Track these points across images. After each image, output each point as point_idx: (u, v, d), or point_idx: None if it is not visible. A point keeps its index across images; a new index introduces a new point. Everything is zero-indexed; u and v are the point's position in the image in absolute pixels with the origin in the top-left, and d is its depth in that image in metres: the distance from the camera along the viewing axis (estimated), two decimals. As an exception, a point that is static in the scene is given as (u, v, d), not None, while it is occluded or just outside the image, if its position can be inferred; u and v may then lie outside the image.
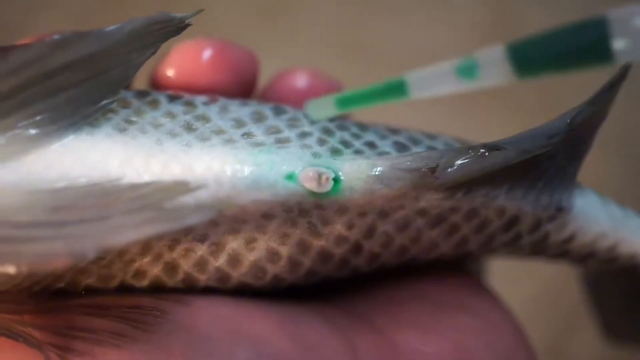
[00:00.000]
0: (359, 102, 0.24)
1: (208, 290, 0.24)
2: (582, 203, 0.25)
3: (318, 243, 0.23)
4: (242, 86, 0.26)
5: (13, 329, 0.22)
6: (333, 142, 0.23)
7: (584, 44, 0.24)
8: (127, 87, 0.25)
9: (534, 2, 0.59)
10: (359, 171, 0.22)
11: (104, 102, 0.23)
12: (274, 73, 0.28)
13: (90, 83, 0.22)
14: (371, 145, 0.24)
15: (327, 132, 0.24)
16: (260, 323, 0.23)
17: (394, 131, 0.25)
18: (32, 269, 0.21)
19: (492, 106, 0.57)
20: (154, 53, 0.23)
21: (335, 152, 0.23)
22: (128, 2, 0.55)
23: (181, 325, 0.22)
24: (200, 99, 0.24)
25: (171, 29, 0.23)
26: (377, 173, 0.22)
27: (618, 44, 0.24)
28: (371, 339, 0.24)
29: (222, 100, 0.24)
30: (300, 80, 0.27)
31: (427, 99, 0.24)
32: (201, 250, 0.23)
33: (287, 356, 0.23)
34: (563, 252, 0.26)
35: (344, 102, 0.24)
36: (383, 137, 0.24)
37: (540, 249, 0.26)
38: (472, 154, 0.22)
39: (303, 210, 0.23)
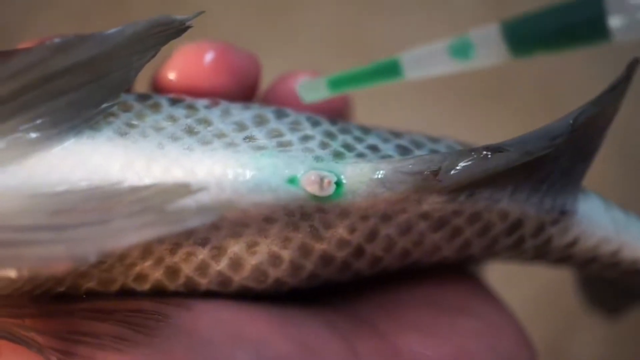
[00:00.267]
0: (352, 83, 0.24)
1: (209, 294, 0.23)
2: (585, 207, 0.25)
3: (320, 247, 0.23)
4: (244, 89, 0.26)
5: (14, 332, 0.22)
6: (335, 145, 0.23)
7: (579, 21, 0.23)
8: (129, 90, 0.25)
9: (534, 2, 0.59)
10: (361, 175, 0.22)
11: (105, 105, 0.22)
12: (275, 74, 0.28)
13: (91, 86, 0.22)
14: (374, 148, 0.24)
15: (330, 135, 0.24)
16: (261, 327, 0.23)
17: (397, 134, 0.25)
18: (33, 272, 0.21)
19: (493, 107, 0.56)
20: (154, 55, 0.23)
21: (337, 155, 0.23)
22: (128, 3, 0.55)
23: (182, 329, 0.22)
24: (201, 102, 0.24)
25: (172, 31, 0.23)
26: (379, 176, 0.22)
27: (614, 21, 0.23)
28: (372, 343, 0.24)
29: (224, 104, 0.24)
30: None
31: (423, 88, 0.24)
32: (202, 254, 0.23)
33: None
34: (566, 256, 0.26)
35: (336, 83, 0.24)
36: (386, 141, 0.24)
37: (543, 253, 0.26)
38: (475, 156, 0.22)
39: (305, 214, 0.22)
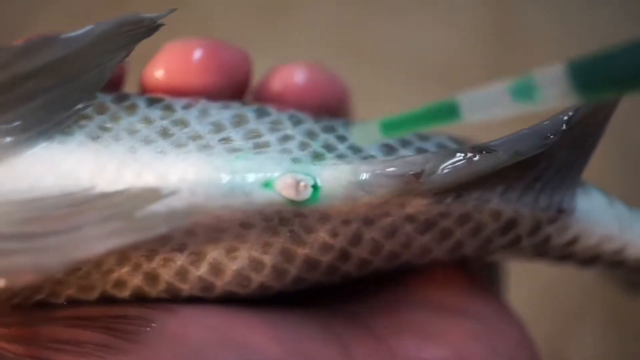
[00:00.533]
0: (406, 126, 0.22)
1: (198, 299, 0.23)
2: (585, 204, 0.24)
3: (302, 251, 0.22)
4: (234, 87, 0.25)
5: None
6: (315, 146, 0.22)
7: None
8: (116, 89, 0.24)
9: (534, 2, 0.59)
10: (339, 178, 0.21)
11: (78, 107, 0.22)
12: (270, 69, 0.27)
13: (61, 89, 0.22)
14: (356, 148, 0.23)
15: (311, 134, 0.23)
16: (252, 331, 0.22)
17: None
18: (8, 281, 0.20)
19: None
20: (127, 55, 0.22)
21: (316, 156, 0.22)
22: (128, 2, 0.55)
23: (171, 335, 0.21)
24: (180, 102, 0.23)
25: (142, 30, 0.22)
26: (358, 179, 0.21)
27: None
28: (368, 346, 0.23)
29: (203, 103, 0.23)
30: (299, 76, 0.26)
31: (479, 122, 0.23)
32: (181, 260, 0.22)
33: None
34: (567, 255, 0.25)
35: (390, 127, 0.22)
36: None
37: (543, 252, 0.25)
38: (460, 157, 0.21)
39: (283, 218, 0.22)
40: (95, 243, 0.20)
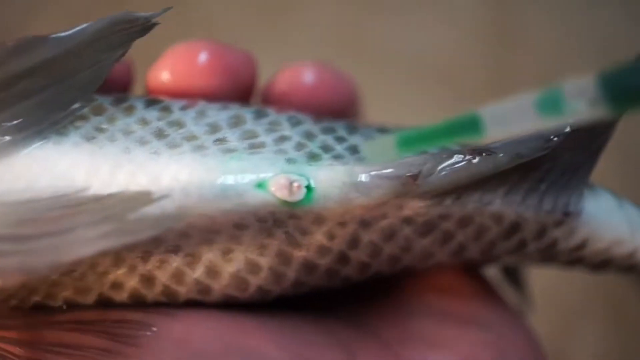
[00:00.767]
0: (424, 141, 0.21)
1: (202, 305, 0.23)
2: (594, 206, 0.24)
3: (299, 254, 0.22)
4: (239, 90, 0.25)
5: None
6: (312, 146, 0.22)
7: None
8: (126, 90, 0.24)
9: (534, 2, 0.59)
10: (334, 178, 0.21)
11: (74, 107, 0.22)
12: (275, 71, 0.26)
13: (56, 88, 0.21)
14: (354, 149, 0.22)
15: (309, 135, 0.22)
16: (256, 337, 0.22)
17: (385, 131, 0.23)
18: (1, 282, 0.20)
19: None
20: (123, 55, 0.22)
21: (312, 157, 0.22)
22: (128, 1, 0.55)
23: (174, 339, 0.21)
24: (179, 103, 0.23)
25: (137, 29, 0.22)
26: (353, 181, 0.21)
27: None
28: (374, 353, 0.23)
29: (202, 105, 0.23)
30: (307, 75, 0.26)
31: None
32: (176, 261, 0.22)
33: None
34: (576, 259, 0.24)
35: (407, 143, 0.21)
36: (370, 140, 0.23)
37: (551, 256, 0.24)
38: (458, 159, 0.21)
39: (277, 220, 0.21)
40: (84, 245, 0.19)
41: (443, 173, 0.21)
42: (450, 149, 0.23)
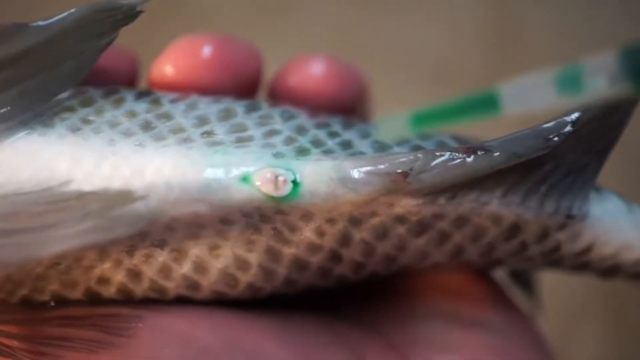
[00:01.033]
0: (439, 119, 0.20)
1: (206, 302, 0.22)
2: (600, 209, 0.23)
3: (289, 251, 0.21)
4: (244, 84, 0.24)
5: None
6: (303, 141, 0.21)
7: None
8: (133, 85, 0.24)
9: (534, 2, 0.59)
10: (321, 173, 0.20)
11: (59, 97, 0.21)
12: (276, 69, 0.25)
13: (40, 77, 0.21)
14: (346, 144, 0.22)
15: (301, 130, 0.22)
16: (260, 336, 0.21)
17: None
18: None
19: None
20: (109, 44, 0.21)
21: (301, 152, 0.21)
22: None
23: (179, 335, 0.21)
24: (169, 96, 0.22)
25: (121, 17, 0.21)
26: (341, 176, 0.20)
27: None
28: (381, 355, 0.22)
29: (193, 98, 0.23)
30: (317, 67, 0.25)
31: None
32: (162, 256, 0.21)
33: None
34: (581, 264, 0.23)
35: (421, 120, 0.20)
36: (364, 136, 0.22)
37: (555, 260, 0.23)
38: (452, 157, 0.20)
39: (264, 215, 0.21)
40: (61, 241, 0.19)
41: (436, 171, 0.20)
42: (445, 146, 0.22)
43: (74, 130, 0.21)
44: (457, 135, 0.23)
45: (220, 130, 0.21)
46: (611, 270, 0.23)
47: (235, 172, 0.20)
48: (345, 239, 0.21)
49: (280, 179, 0.20)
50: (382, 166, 0.20)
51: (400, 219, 0.21)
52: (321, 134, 0.22)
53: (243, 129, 0.22)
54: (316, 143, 0.22)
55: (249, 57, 0.24)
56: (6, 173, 0.20)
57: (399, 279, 0.24)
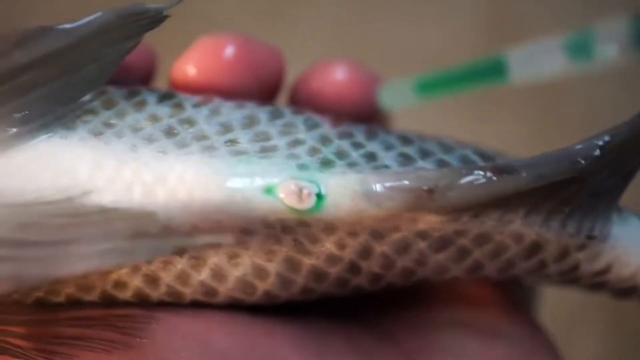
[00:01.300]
0: (445, 86, 0.20)
1: (223, 305, 0.22)
2: (620, 231, 0.22)
3: (309, 262, 0.21)
4: (265, 86, 0.24)
5: None
6: (327, 152, 0.21)
7: None
8: (148, 81, 0.23)
9: (534, 2, 0.59)
10: (345, 187, 0.20)
11: (82, 100, 0.21)
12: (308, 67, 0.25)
13: (61, 81, 0.21)
14: (370, 156, 0.21)
15: (324, 140, 0.22)
16: (277, 341, 0.21)
17: (406, 140, 0.22)
18: None
19: (488, 106, 0.56)
20: (133, 48, 0.21)
21: (325, 164, 0.21)
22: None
23: (196, 339, 0.21)
24: (192, 100, 0.22)
25: (146, 21, 0.21)
26: (365, 190, 0.20)
27: None
28: None
29: (216, 102, 0.22)
30: (339, 72, 0.24)
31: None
32: (181, 263, 0.21)
33: None
34: (599, 284, 0.23)
35: (426, 87, 0.20)
36: (389, 148, 0.22)
37: (572, 279, 0.23)
38: (478, 176, 0.20)
39: (286, 227, 0.20)
40: (80, 261, 0.19)
41: (462, 189, 0.20)
42: (469, 162, 0.22)
43: (96, 133, 0.21)
44: (480, 149, 0.23)
45: (243, 139, 0.21)
46: (628, 291, 0.23)
47: (259, 183, 0.20)
48: (365, 252, 0.21)
49: (305, 191, 0.20)
50: (408, 182, 0.20)
51: (422, 235, 0.21)
52: (345, 145, 0.22)
53: (267, 137, 0.21)
54: (340, 154, 0.21)
55: (272, 57, 0.24)
56: (26, 176, 0.20)
57: (414, 287, 0.24)
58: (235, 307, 0.22)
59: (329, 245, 0.21)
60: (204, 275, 0.21)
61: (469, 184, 0.20)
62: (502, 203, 0.20)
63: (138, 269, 0.21)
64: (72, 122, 0.21)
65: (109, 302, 0.22)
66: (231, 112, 0.22)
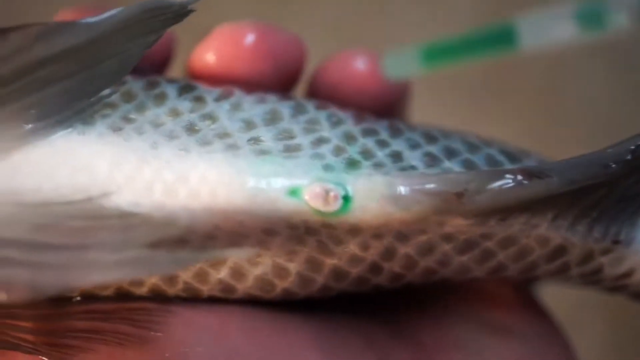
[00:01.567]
0: (452, 54, 0.19)
1: (239, 300, 0.22)
2: None
3: (330, 262, 0.21)
4: (286, 75, 0.23)
5: (5, 335, 0.20)
6: (352, 151, 0.21)
7: None
8: (164, 68, 0.23)
9: (534, 3, 0.59)
10: (372, 190, 0.19)
11: (100, 95, 0.20)
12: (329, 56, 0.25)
13: (81, 76, 0.20)
14: (396, 156, 0.21)
15: (349, 138, 0.21)
16: (293, 338, 0.21)
17: (432, 138, 0.22)
18: None
19: (492, 103, 0.56)
20: (155, 42, 0.21)
21: (351, 164, 0.20)
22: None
23: (212, 333, 0.20)
24: (213, 93, 0.22)
25: (169, 16, 0.20)
26: (393, 194, 0.19)
27: None
28: (410, 358, 0.22)
29: (237, 95, 0.22)
30: (360, 62, 0.24)
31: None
32: (200, 262, 0.21)
33: None
34: (619, 287, 0.23)
35: (432, 55, 0.19)
36: (414, 147, 0.21)
37: (593, 281, 0.23)
38: (508, 180, 0.19)
39: (310, 228, 0.20)
40: (98, 271, 0.18)
41: (491, 193, 0.19)
42: (496, 163, 0.22)
43: (115, 129, 0.20)
44: (505, 148, 0.23)
45: (267, 136, 0.21)
46: None
47: (284, 184, 0.20)
48: (389, 253, 0.21)
49: (331, 194, 0.19)
50: (436, 185, 0.20)
51: (448, 238, 0.21)
52: (370, 143, 0.21)
53: (290, 135, 0.21)
54: (366, 154, 0.21)
55: (293, 46, 0.24)
56: (43, 174, 0.20)
57: (431, 284, 0.23)
58: (252, 302, 0.22)
59: (352, 247, 0.20)
60: (223, 273, 0.21)
61: (499, 187, 0.20)
62: (530, 207, 0.20)
63: None
64: (90, 116, 0.20)
65: (124, 297, 0.21)
66: (253, 107, 0.21)
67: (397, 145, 0.21)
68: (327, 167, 0.20)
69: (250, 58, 0.23)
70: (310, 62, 0.24)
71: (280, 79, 0.23)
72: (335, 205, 0.19)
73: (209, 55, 0.23)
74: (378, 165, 0.20)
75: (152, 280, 0.21)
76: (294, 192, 0.20)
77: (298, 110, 0.22)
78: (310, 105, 0.22)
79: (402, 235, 0.20)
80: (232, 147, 0.20)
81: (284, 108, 0.22)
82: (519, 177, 0.19)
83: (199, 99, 0.21)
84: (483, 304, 0.24)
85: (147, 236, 0.19)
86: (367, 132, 0.21)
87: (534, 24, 0.19)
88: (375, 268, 0.21)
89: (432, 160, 0.21)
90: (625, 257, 0.22)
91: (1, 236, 0.19)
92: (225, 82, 0.23)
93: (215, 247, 0.20)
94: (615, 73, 0.55)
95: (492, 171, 0.20)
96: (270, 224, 0.20)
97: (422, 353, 0.22)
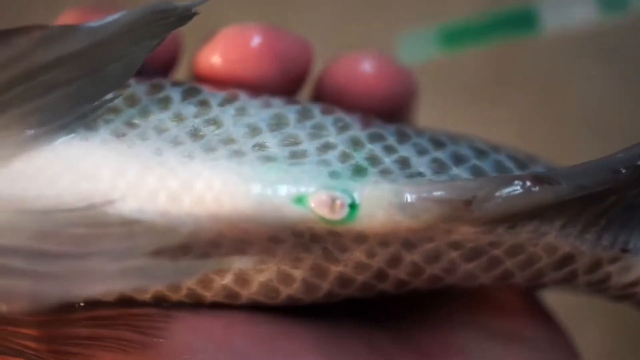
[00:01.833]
0: (471, 36, 0.18)
1: (244, 306, 0.21)
2: None
3: (336, 269, 0.20)
4: (292, 77, 0.23)
5: (7, 342, 0.20)
6: (358, 158, 0.20)
7: None
8: (169, 70, 0.23)
9: (533, 1, 0.59)
10: (380, 198, 0.19)
11: (102, 100, 0.20)
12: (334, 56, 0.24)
13: (84, 80, 0.20)
14: (404, 163, 0.20)
15: (356, 143, 0.21)
16: (297, 344, 0.21)
17: (439, 144, 0.21)
18: None
19: (490, 106, 0.56)
20: (159, 44, 0.20)
21: (358, 171, 0.20)
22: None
23: (216, 338, 0.20)
24: (218, 97, 0.21)
25: (174, 19, 0.20)
26: (400, 202, 0.19)
27: None
28: None
29: (242, 100, 0.21)
30: (367, 64, 0.24)
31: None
32: (204, 270, 0.20)
33: None
34: (626, 295, 0.22)
35: (450, 38, 0.18)
36: (422, 153, 0.21)
37: (600, 289, 0.22)
38: (517, 187, 0.19)
39: (316, 235, 0.20)
40: (101, 280, 0.18)
41: (499, 201, 0.19)
42: (505, 169, 0.21)
43: (118, 135, 0.20)
44: (513, 154, 0.22)
45: (272, 142, 0.20)
46: None
47: (289, 191, 0.19)
48: (395, 261, 0.21)
49: (338, 202, 0.19)
50: (444, 193, 0.19)
51: (455, 245, 0.20)
52: (377, 149, 0.21)
53: (296, 141, 0.20)
54: (372, 160, 0.20)
55: (299, 48, 0.23)
56: (46, 179, 0.19)
57: (437, 290, 0.23)
58: (255, 307, 0.21)
59: (358, 254, 0.20)
60: (227, 280, 0.21)
61: (507, 194, 0.19)
62: (538, 214, 0.20)
63: None
64: (93, 121, 0.20)
65: (127, 303, 0.21)
66: (258, 111, 0.21)
67: (405, 151, 0.21)
68: (334, 174, 0.20)
69: (256, 60, 0.23)
70: (316, 63, 0.24)
71: (286, 82, 0.23)
72: (342, 214, 0.19)
73: (214, 57, 0.23)
74: (385, 172, 0.20)
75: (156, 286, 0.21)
76: (299, 199, 0.19)
77: (304, 115, 0.21)
78: (316, 110, 0.22)
79: (409, 243, 0.20)
80: (237, 154, 0.20)
81: (290, 113, 0.21)
82: (528, 184, 0.19)
83: (204, 103, 0.21)
84: (488, 309, 0.23)
85: (150, 244, 0.19)
86: (374, 138, 0.21)
87: (555, 6, 0.17)
88: (380, 275, 0.21)
89: (439, 166, 0.21)
90: (634, 265, 0.22)
91: (2, 244, 0.18)
92: (230, 84, 0.22)
93: (219, 254, 0.20)
94: (617, 75, 0.55)
95: (500, 178, 0.20)
96: (275, 231, 0.19)
97: (425, 359, 0.22)
